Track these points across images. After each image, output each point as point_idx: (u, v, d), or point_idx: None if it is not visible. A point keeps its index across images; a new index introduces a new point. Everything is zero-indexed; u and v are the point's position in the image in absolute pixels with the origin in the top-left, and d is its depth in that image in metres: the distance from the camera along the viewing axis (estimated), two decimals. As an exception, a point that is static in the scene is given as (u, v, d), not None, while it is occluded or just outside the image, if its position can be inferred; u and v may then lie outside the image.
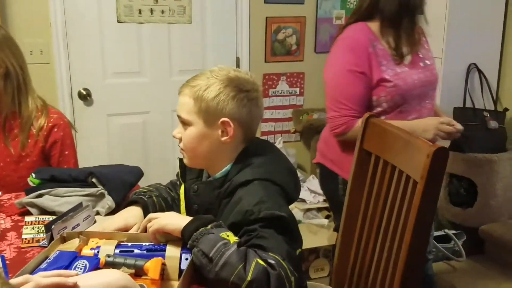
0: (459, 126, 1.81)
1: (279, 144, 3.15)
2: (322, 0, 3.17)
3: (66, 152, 1.82)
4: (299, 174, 3.06)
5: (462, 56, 2.72)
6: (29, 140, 1.75)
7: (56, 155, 1.80)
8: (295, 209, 2.81)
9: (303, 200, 2.85)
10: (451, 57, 2.70)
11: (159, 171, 2.69)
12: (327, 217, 2.80)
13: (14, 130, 1.76)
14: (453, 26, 2.67)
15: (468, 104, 2.70)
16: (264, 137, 3.23)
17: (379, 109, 1.82)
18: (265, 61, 3.16)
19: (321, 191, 2.83)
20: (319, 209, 2.84)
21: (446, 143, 2.65)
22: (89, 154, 2.85)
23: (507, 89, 2.85)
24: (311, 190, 2.87)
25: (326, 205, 2.83)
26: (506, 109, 2.70)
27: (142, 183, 1.65)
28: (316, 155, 2.05)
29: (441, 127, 1.78)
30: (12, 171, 1.75)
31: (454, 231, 2.57)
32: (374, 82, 1.78)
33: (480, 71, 2.75)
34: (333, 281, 1.65)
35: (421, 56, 1.88)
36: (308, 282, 1.66)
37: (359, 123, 1.71)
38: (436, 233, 2.53)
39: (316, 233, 2.74)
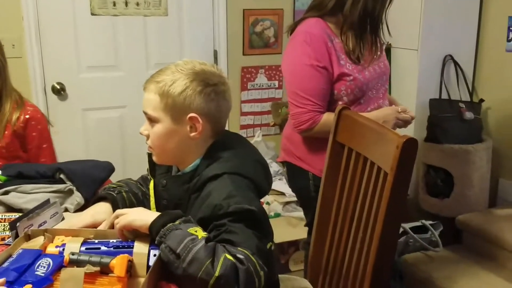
0: (413, 114, 1.86)
1: (258, 138, 3.14)
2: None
3: (44, 146, 1.83)
4: (278, 167, 3.06)
5: (438, 47, 2.73)
6: (6, 132, 1.74)
7: (33, 148, 1.79)
8: (275, 202, 2.80)
9: (282, 193, 2.85)
10: (426, 49, 2.71)
11: (137, 166, 2.65)
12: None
13: None
14: (429, 17, 2.67)
15: (444, 96, 2.72)
16: (243, 131, 3.22)
17: (340, 103, 1.81)
18: (243, 54, 3.14)
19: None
20: (298, 202, 2.84)
21: (422, 134, 2.67)
22: (65, 150, 2.79)
23: (483, 80, 2.87)
24: (290, 183, 2.86)
25: (305, 197, 2.83)
26: (481, 100, 2.72)
27: (119, 179, 1.62)
28: (281, 153, 2.04)
29: (399, 116, 1.81)
30: None
31: (431, 222, 2.58)
32: (335, 76, 1.78)
33: (456, 63, 2.76)
34: (308, 272, 1.65)
35: (373, 48, 1.89)
36: (283, 275, 1.66)
37: (324, 118, 1.74)
38: (413, 224, 2.54)
39: (296, 225, 2.74)
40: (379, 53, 1.89)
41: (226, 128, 1.35)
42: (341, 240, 1.50)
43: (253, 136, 3.21)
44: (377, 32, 1.83)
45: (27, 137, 1.78)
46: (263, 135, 3.22)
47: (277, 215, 2.76)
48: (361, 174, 1.42)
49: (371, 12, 1.76)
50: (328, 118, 1.72)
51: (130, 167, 2.92)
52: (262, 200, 2.66)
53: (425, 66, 2.73)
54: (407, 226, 2.51)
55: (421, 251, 2.52)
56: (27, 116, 1.78)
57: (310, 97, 1.76)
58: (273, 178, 2.96)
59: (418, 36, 2.69)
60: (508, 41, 2.67)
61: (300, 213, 2.77)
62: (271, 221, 1.28)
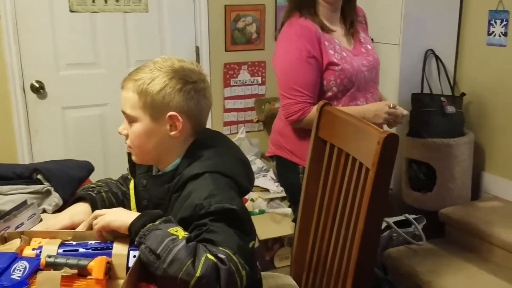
0: (404, 112, 1.84)
1: (242, 134, 3.13)
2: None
3: None
4: (262, 163, 3.05)
5: (419, 42, 2.74)
6: None
7: None
8: (259, 199, 2.79)
9: (267, 190, 2.84)
10: (408, 44, 2.72)
11: (118, 165, 2.63)
12: (290, 206, 2.80)
13: None
14: (410, 12, 2.68)
15: (426, 90, 2.73)
16: (226, 127, 3.20)
17: (329, 93, 1.82)
18: (226, 50, 3.12)
19: (284, 181, 2.84)
20: (282, 198, 2.83)
21: (404, 128, 2.69)
22: (44, 149, 2.76)
23: (464, 74, 2.89)
24: (274, 180, 2.86)
25: (289, 194, 2.82)
26: (463, 94, 2.74)
27: (99, 178, 1.59)
28: (270, 148, 2.03)
29: (390, 111, 1.80)
30: None
31: (414, 216, 2.60)
32: (324, 66, 1.79)
33: (437, 57, 2.78)
34: (292, 269, 1.65)
35: (362, 41, 1.92)
36: (267, 273, 1.65)
37: (314, 109, 1.71)
38: (397, 218, 2.56)
39: (280, 222, 2.73)
40: (369, 46, 1.91)
41: (209, 125, 1.33)
42: (325, 236, 1.49)
43: (237, 132, 3.19)
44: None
45: None
46: (246, 132, 3.20)
47: (262, 211, 2.75)
48: (343, 170, 1.41)
49: None
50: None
51: (111, 166, 2.88)
52: (246, 197, 2.65)
53: (407, 60, 2.73)
54: (390, 220, 2.52)
55: (404, 245, 2.53)
56: None
57: (301, 88, 1.77)
58: (257, 175, 2.97)
59: (399, 31, 2.70)
60: (489, 34, 2.70)
61: (284, 209, 2.77)
62: (256, 218, 1.27)
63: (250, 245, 1.19)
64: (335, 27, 1.86)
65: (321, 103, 1.54)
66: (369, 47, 1.93)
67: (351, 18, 1.90)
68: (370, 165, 1.23)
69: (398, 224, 2.54)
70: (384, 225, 2.47)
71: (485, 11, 2.69)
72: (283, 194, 2.84)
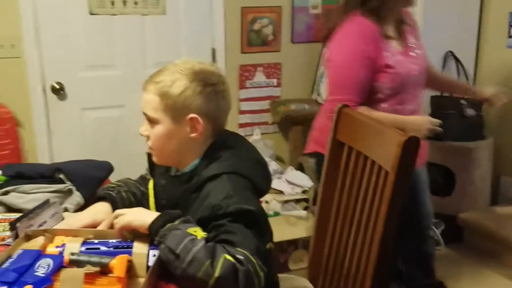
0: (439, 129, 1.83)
1: (256, 136, 3.13)
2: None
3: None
4: (277, 165, 3.05)
5: (439, 44, 2.73)
6: None
7: None
8: (273, 201, 2.80)
9: (281, 192, 2.84)
10: (427, 45, 2.64)
11: (135, 166, 2.62)
12: (305, 208, 2.80)
13: None
14: (430, 14, 2.66)
15: (446, 93, 2.71)
16: (241, 129, 3.21)
17: (380, 95, 1.83)
18: (241, 52, 3.13)
19: (300, 183, 2.83)
20: (297, 201, 2.84)
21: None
22: (63, 149, 2.80)
23: (484, 77, 2.87)
24: (289, 182, 2.86)
25: (305, 196, 2.82)
26: (482, 98, 2.71)
27: (117, 178, 1.61)
28: (309, 145, 2.02)
29: (431, 128, 1.79)
30: None
31: (433, 220, 2.58)
32: (378, 67, 1.78)
33: (456, 59, 2.75)
34: (309, 272, 1.65)
35: (410, 46, 1.90)
36: (283, 275, 1.66)
37: (360, 109, 1.72)
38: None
39: (295, 224, 2.73)
40: (418, 51, 1.90)
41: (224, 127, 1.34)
42: (342, 239, 1.49)
43: (252, 134, 3.19)
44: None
45: None
46: (261, 134, 3.20)
47: (276, 213, 2.76)
48: (361, 173, 1.41)
49: None
50: (365, 112, 1.72)
51: (128, 167, 2.86)
52: (261, 199, 2.66)
53: (426, 63, 2.71)
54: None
55: (422, 249, 2.51)
56: None
57: (351, 87, 1.77)
58: (272, 177, 2.97)
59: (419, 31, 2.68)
60: (509, 37, 2.67)
61: (299, 212, 2.77)
62: (270, 220, 1.28)
63: (267, 246, 1.20)
64: (390, 29, 1.85)
65: (339, 105, 1.54)
66: (419, 52, 1.91)
67: (400, 22, 1.89)
68: (390, 168, 1.22)
69: (415, 228, 2.51)
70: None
71: (506, 13, 2.67)
72: (298, 197, 2.84)
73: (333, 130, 1.53)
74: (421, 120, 1.81)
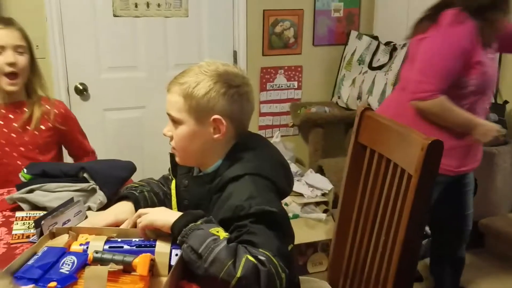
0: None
1: (277, 138, 3.13)
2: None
3: (81, 130, 1.99)
4: (297, 168, 3.05)
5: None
6: (42, 127, 1.81)
7: (74, 141, 1.94)
8: (293, 203, 2.79)
9: (301, 194, 2.83)
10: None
11: (156, 166, 2.66)
12: (325, 211, 2.79)
13: (24, 118, 1.80)
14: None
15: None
16: (262, 131, 3.21)
17: (463, 91, 1.82)
18: (263, 55, 3.14)
19: (320, 185, 2.82)
20: (317, 203, 2.83)
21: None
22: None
23: (507, 82, 2.82)
24: (309, 184, 2.85)
25: (324, 199, 2.81)
26: (506, 102, 2.67)
27: (139, 178, 1.63)
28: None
29: (496, 135, 1.83)
30: (25, 159, 1.78)
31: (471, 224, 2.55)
32: (471, 62, 1.78)
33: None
34: (329, 275, 1.64)
35: (491, 49, 1.88)
36: (303, 277, 1.65)
37: (440, 98, 1.76)
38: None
39: (314, 227, 2.73)
40: (492, 56, 1.89)
41: (244, 128, 1.34)
42: (363, 242, 1.48)
43: (272, 136, 3.20)
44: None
45: (65, 132, 1.88)
46: (281, 136, 3.21)
47: (296, 216, 2.75)
48: (383, 176, 1.40)
49: None
50: (441, 103, 1.77)
51: (149, 167, 2.92)
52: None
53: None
54: (428, 229, 2.48)
55: (443, 255, 2.48)
56: (62, 110, 1.88)
57: (441, 74, 1.77)
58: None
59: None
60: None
61: (318, 215, 2.76)
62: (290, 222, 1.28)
63: (289, 248, 1.20)
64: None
65: (361, 108, 1.54)
66: (492, 56, 1.90)
67: None
68: (413, 172, 1.21)
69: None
70: (421, 233, 2.43)
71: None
72: (317, 199, 2.83)
73: (355, 133, 1.53)
74: (490, 126, 1.84)
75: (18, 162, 1.77)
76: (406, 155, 1.27)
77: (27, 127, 1.79)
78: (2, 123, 1.78)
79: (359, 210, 1.52)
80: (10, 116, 1.79)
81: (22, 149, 1.78)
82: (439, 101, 1.77)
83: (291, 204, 2.81)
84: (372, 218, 1.45)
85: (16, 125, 1.78)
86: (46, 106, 1.83)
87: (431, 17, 1.89)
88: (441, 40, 1.81)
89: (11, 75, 1.72)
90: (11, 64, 1.70)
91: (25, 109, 1.80)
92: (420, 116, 1.84)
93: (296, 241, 2.61)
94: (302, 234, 2.64)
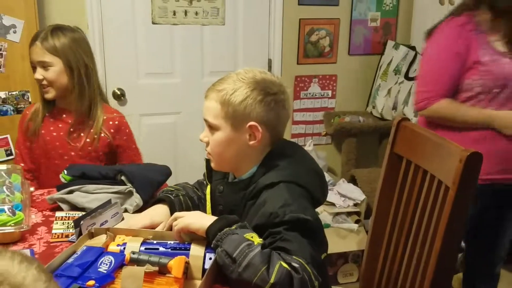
0: None
1: (309, 147, 3.13)
2: (357, 1, 3.13)
3: (133, 146, 1.97)
4: (329, 177, 3.03)
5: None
6: (95, 137, 1.84)
7: (126, 150, 1.92)
8: (324, 212, 2.78)
9: (333, 204, 2.81)
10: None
11: (189, 171, 2.70)
12: (356, 221, 2.76)
13: (79, 124, 1.84)
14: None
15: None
16: (294, 139, 3.21)
17: (469, 93, 1.78)
18: (297, 63, 3.15)
19: (352, 195, 2.80)
20: (348, 214, 2.80)
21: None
22: (122, 153, 2.89)
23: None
24: (341, 194, 2.84)
25: (356, 209, 2.79)
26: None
27: (172, 183, 1.66)
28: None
29: None
30: (70, 162, 1.82)
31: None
32: (469, 63, 1.76)
33: None
34: (360, 286, 1.62)
35: None
36: (335, 287, 1.64)
37: (444, 102, 1.77)
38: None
39: (345, 237, 2.70)
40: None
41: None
42: (397, 254, 1.46)
43: (304, 145, 3.19)
44: None
45: (118, 142, 1.89)
46: (314, 145, 3.20)
47: (327, 226, 2.74)
48: (419, 187, 1.38)
49: None
50: (450, 105, 1.77)
51: (183, 172, 2.97)
52: (313, 210, 2.61)
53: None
54: (462, 243, 2.42)
55: (477, 270, 2.41)
56: (116, 122, 1.90)
57: (435, 79, 1.80)
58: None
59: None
60: None
61: (350, 225, 2.73)
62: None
63: (322, 256, 1.20)
64: (495, 32, 1.80)
65: (398, 118, 1.52)
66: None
67: None
68: (451, 184, 1.19)
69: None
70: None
71: None
72: (349, 209, 2.81)
73: (391, 143, 1.52)
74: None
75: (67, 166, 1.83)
76: (443, 166, 1.25)
77: (82, 134, 1.84)
78: (60, 126, 1.85)
79: (393, 221, 1.50)
80: (65, 120, 1.85)
81: (72, 153, 1.83)
82: (441, 104, 1.77)
83: (322, 213, 2.80)
84: (406, 230, 1.43)
85: (72, 130, 1.83)
86: (104, 116, 1.86)
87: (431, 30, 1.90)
88: (432, 48, 1.85)
89: (44, 86, 1.80)
90: (39, 80, 1.79)
91: (77, 116, 1.84)
92: (433, 125, 1.84)
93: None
94: (333, 244, 2.60)
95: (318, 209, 2.83)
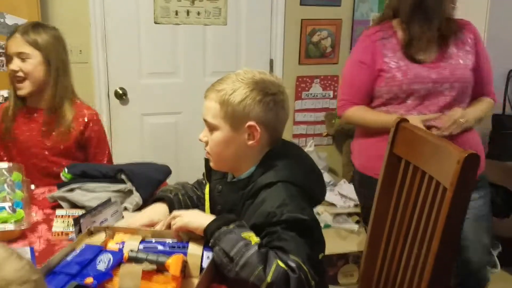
0: (444, 124, 1.79)
1: (310, 147, 3.13)
2: (359, 2, 3.13)
3: (102, 145, 1.92)
4: (330, 178, 3.04)
5: (502, 62, 2.63)
6: (66, 134, 1.83)
7: (92, 148, 1.88)
8: (325, 213, 2.78)
9: (333, 204, 2.82)
10: (490, 63, 2.61)
11: (190, 171, 2.70)
12: (357, 222, 2.76)
13: (51, 123, 1.83)
14: (493, 31, 2.59)
15: (508, 112, 2.61)
16: (295, 140, 3.22)
17: (380, 99, 1.90)
18: (299, 64, 3.15)
19: (353, 196, 2.80)
20: (349, 214, 2.81)
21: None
22: (123, 152, 2.90)
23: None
24: (341, 195, 2.84)
25: (357, 210, 2.79)
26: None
27: (173, 182, 1.67)
28: None
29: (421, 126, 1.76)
30: (48, 162, 1.84)
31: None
32: (376, 72, 1.87)
33: (521, 77, 2.65)
34: (360, 286, 1.63)
35: (447, 56, 1.86)
36: (334, 287, 1.65)
37: (354, 109, 1.92)
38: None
39: (346, 238, 2.71)
40: (453, 62, 1.86)
41: (278, 137, 1.36)
42: (395, 254, 1.46)
43: (305, 145, 3.20)
44: (431, 25, 1.81)
45: (86, 138, 1.87)
46: (315, 145, 3.20)
47: (327, 226, 2.74)
48: (418, 188, 1.38)
49: (417, 2, 1.80)
50: (356, 112, 1.92)
51: (183, 172, 2.97)
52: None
53: (489, 80, 2.63)
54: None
55: (477, 272, 2.42)
56: (85, 119, 1.86)
57: (347, 87, 1.96)
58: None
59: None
60: None
61: (351, 225, 2.74)
62: (321, 232, 1.27)
63: (320, 256, 1.21)
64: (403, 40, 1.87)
65: (397, 119, 1.53)
66: (453, 62, 1.86)
67: (445, 32, 1.85)
68: (448, 185, 1.19)
69: (472, 249, 2.43)
70: (456, 249, 2.38)
71: None
72: (350, 210, 2.81)
73: (390, 144, 1.52)
74: (411, 119, 1.75)
75: (43, 164, 1.84)
76: (441, 167, 1.26)
77: (53, 133, 1.83)
78: (32, 126, 1.84)
79: (392, 222, 1.50)
80: (37, 119, 1.85)
81: (46, 152, 1.83)
82: (350, 111, 1.93)
83: (323, 214, 2.81)
84: (405, 231, 1.43)
85: (44, 129, 1.83)
86: (73, 113, 1.84)
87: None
88: (348, 59, 2.03)
89: (18, 80, 1.79)
90: (15, 71, 1.78)
91: (49, 114, 1.83)
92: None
93: (327, 252, 2.59)
94: (334, 244, 2.62)
95: (318, 209, 2.86)
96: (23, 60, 1.77)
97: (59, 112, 1.82)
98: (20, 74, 1.78)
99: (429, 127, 1.78)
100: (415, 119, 1.75)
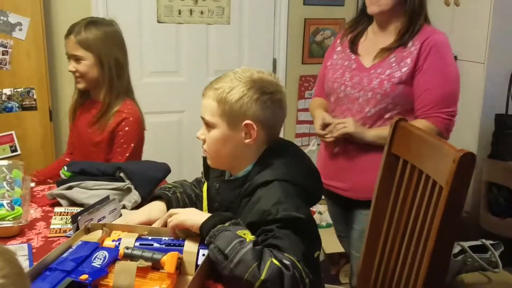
0: (334, 129, 1.78)
1: (313, 147, 3.13)
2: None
3: (125, 146, 1.88)
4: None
5: (506, 61, 2.62)
6: (104, 128, 1.88)
7: (115, 145, 1.89)
8: (327, 212, 2.78)
9: (335, 204, 2.80)
10: (493, 63, 2.60)
11: (193, 169, 2.72)
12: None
13: (98, 115, 1.89)
14: (497, 31, 2.57)
15: (511, 111, 2.59)
16: (298, 139, 3.22)
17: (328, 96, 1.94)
18: (302, 63, 3.15)
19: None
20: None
21: (486, 150, 2.56)
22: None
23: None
24: (343, 194, 2.83)
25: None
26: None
27: (173, 180, 1.67)
28: None
29: (319, 133, 1.83)
30: (89, 152, 1.91)
31: (491, 241, 2.47)
32: (326, 66, 1.95)
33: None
34: (357, 285, 1.63)
35: (377, 63, 1.77)
36: (330, 286, 1.65)
37: (313, 101, 2.05)
38: (472, 243, 2.44)
39: (347, 237, 2.70)
40: (380, 70, 1.75)
41: (282, 136, 1.36)
42: (393, 253, 1.47)
43: (308, 145, 3.20)
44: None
45: (115, 135, 1.88)
46: (317, 145, 3.19)
47: (329, 225, 2.73)
48: (415, 187, 1.38)
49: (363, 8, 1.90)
50: (312, 104, 2.02)
51: (186, 170, 2.99)
52: (314, 209, 2.63)
53: (492, 80, 2.62)
54: (466, 244, 2.41)
55: (479, 271, 2.41)
56: (122, 117, 1.88)
57: (317, 82, 2.06)
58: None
59: (485, 49, 2.59)
60: None
61: (353, 225, 2.72)
62: (323, 231, 1.28)
63: (315, 254, 1.21)
64: (368, 40, 1.86)
65: (396, 118, 1.52)
66: (380, 71, 1.75)
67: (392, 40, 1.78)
68: (444, 184, 1.19)
69: (474, 249, 2.42)
70: (459, 248, 2.37)
71: None
72: (353, 210, 2.80)
73: (388, 143, 1.52)
74: (315, 123, 1.87)
75: (86, 153, 1.92)
76: (437, 166, 1.26)
77: (96, 124, 1.88)
78: (87, 116, 1.93)
79: (389, 221, 1.50)
80: (92, 111, 1.92)
81: (88, 142, 1.91)
82: (311, 102, 2.07)
83: (324, 213, 2.80)
84: (402, 229, 1.43)
85: (91, 120, 1.90)
86: (116, 109, 1.88)
87: None
88: None
89: (76, 76, 1.89)
90: (72, 71, 1.88)
91: (101, 107, 1.88)
92: None
93: (329, 251, 2.61)
94: (335, 243, 2.61)
95: (320, 209, 2.85)
96: (78, 61, 1.84)
97: (109, 106, 1.88)
98: (77, 74, 1.87)
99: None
100: (319, 116, 1.84)
